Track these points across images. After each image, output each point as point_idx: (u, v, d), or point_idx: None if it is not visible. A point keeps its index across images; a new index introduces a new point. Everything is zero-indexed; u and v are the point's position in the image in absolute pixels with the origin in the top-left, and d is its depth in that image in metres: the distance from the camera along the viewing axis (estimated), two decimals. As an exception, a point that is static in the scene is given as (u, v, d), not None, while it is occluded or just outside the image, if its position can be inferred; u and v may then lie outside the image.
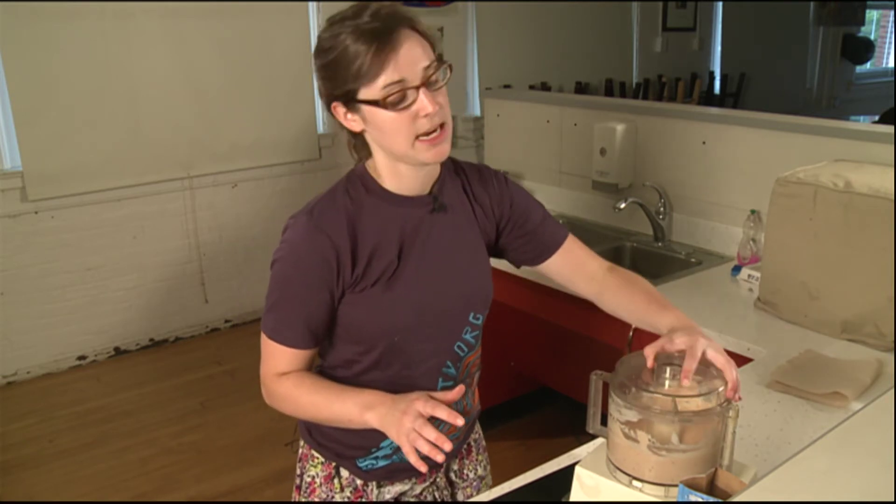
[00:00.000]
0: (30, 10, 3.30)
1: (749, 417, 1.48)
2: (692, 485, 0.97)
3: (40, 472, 2.89)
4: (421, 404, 1.08)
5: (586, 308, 2.34)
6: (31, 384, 3.57)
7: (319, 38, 1.14)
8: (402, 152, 1.16)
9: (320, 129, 4.26)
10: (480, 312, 1.32)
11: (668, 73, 5.87)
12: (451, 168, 1.32)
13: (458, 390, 1.13)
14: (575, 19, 5.26)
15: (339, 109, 1.16)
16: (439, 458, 1.04)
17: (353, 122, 1.17)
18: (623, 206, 2.62)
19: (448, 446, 1.04)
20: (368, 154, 1.24)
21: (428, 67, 1.11)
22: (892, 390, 0.91)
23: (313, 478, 1.38)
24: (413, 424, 1.06)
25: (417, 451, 1.08)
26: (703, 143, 2.60)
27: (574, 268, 1.41)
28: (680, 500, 0.98)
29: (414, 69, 1.10)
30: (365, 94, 1.11)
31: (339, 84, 1.12)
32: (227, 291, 4.12)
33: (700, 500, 0.96)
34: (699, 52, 6.16)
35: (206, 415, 3.28)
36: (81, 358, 3.75)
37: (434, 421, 1.29)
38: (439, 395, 1.11)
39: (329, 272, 1.18)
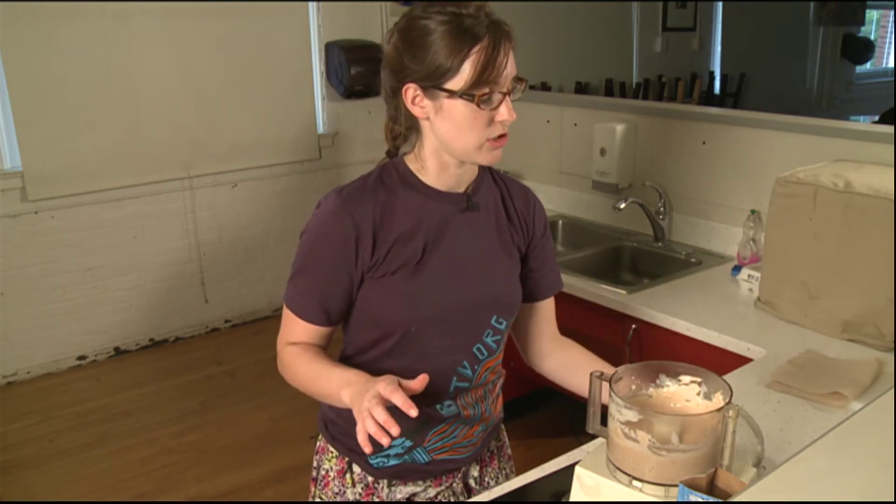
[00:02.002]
0: (30, 10, 3.30)
1: (749, 417, 1.48)
2: (692, 485, 0.98)
3: (40, 472, 2.89)
4: (382, 386, 1.06)
5: (586, 308, 2.34)
6: (31, 384, 3.57)
7: (412, 16, 1.15)
8: (464, 149, 1.18)
9: (320, 129, 4.26)
10: (504, 317, 1.32)
11: (668, 73, 5.87)
12: (490, 175, 1.33)
13: (421, 380, 1.10)
14: (575, 19, 5.26)
15: (411, 92, 1.16)
16: (384, 440, 1.03)
17: (420, 107, 1.17)
18: (623, 206, 2.62)
19: (396, 431, 1.02)
20: (405, 142, 1.25)
21: (515, 79, 1.17)
22: (892, 390, 0.91)
23: (328, 471, 1.38)
24: (368, 404, 1.05)
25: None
26: (703, 143, 2.60)
27: (547, 321, 1.45)
28: (680, 500, 0.98)
29: (507, 77, 1.15)
30: (452, 84, 1.13)
31: (426, 67, 1.13)
32: (227, 291, 4.12)
33: (700, 500, 0.96)
34: (699, 52, 6.16)
35: (206, 415, 3.28)
36: (81, 358, 3.75)
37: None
38: (406, 382, 1.10)
39: (348, 252, 1.20)
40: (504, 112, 1.16)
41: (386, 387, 1.06)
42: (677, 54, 5.98)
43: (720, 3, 6.17)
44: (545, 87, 5.18)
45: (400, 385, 1.08)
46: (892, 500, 0.71)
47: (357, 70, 4.00)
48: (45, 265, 3.57)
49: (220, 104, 3.88)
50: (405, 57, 1.15)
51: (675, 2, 5.86)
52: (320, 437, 1.41)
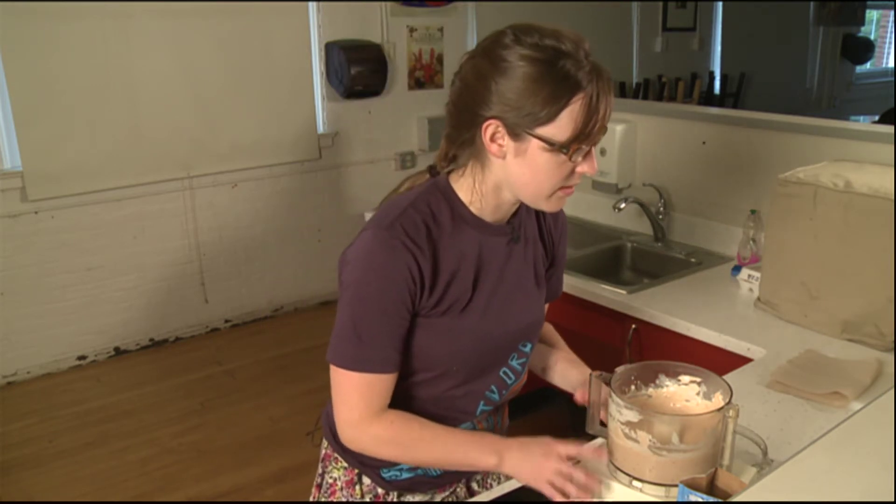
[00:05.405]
0: (30, 10, 3.30)
1: (749, 417, 1.48)
2: (692, 485, 0.98)
3: (40, 472, 2.89)
4: (563, 448, 1.13)
5: (586, 308, 2.34)
6: (31, 384, 3.57)
7: (503, 42, 1.06)
8: (534, 195, 1.11)
9: (320, 129, 4.26)
10: (531, 341, 1.31)
11: (668, 73, 5.87)
12: None
13: (601, 450, 1.16)
14: (575, 19, 5.26)
15: (492, 128, 1.06)
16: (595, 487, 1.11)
17: (499, 145, 1.07)
18: (623, 206, 2.62)
19: (597, 488, 1.09)
20: (458, 166, 1.16)
21: (604, 131, 1.09)
22: (892, 390, 0.91)
23: (335, 480, 1.35)
24: (560, 466, 1.11)
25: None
26: (703, 143, 2.60)
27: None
28: (680, 500, 0.98)
29: (602, 132, 1.07)
30: (545, 131, 1.03)
31: (518, 107, 1.03)
32: (227, 291, 4.12)
33: (700, 500, 0.96)
34: (699, 52, 6.16)
35: (206, 415, 3.28)
36: (81, 358, 3.75)
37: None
38: (571, 448, 1.15)
39: (412, 290, 1.11)
40: (587, 166, 1.07)
41: (579, 479, 1.11)
42: (677, 54, 5.98)
43: (720, 3, 6.17)
44: (545, 87, 5.18)
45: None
46: (892, 500, 0.71)
47: (357, 70, 4.00)
48: (45, 265, 3.57)
49: (220, 104, 3.88)
50: (491, 86, 1.04)
51: (675, 2, 5.86)
52: (325, 444, 1.38)
